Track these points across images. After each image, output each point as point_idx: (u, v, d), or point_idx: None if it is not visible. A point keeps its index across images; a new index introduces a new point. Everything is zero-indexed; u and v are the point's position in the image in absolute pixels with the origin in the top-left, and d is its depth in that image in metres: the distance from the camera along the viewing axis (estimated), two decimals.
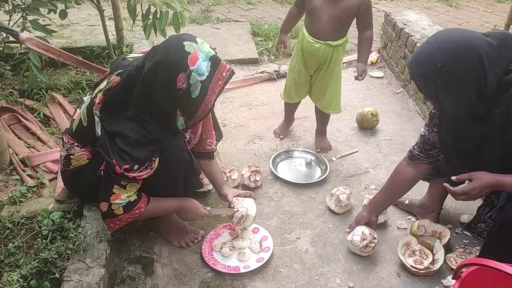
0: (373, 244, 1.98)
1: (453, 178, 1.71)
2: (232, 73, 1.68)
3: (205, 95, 1.60)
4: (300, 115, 3.12)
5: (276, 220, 2.23)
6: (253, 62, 3.90)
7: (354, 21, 2.45)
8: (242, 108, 3.23)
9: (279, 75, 3.63)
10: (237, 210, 2.01)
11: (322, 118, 2.79)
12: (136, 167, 1.60)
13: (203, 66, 1.57)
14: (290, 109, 2.86)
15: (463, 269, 1.52)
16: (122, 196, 1.68)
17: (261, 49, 4.11)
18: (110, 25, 3.45)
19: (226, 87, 3.43)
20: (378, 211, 2.08)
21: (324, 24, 2.40)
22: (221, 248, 2.02)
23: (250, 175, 2.39)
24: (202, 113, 1.64)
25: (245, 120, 3.07)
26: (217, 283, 1.89)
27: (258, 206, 2.29)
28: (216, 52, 1.66)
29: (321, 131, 2.83)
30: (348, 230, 2.09)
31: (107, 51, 3.34)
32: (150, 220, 2.05)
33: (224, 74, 1.64)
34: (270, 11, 5.22)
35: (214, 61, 1.61)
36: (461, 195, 1.69)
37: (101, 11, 3.20)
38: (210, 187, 2.36)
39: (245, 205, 2.02)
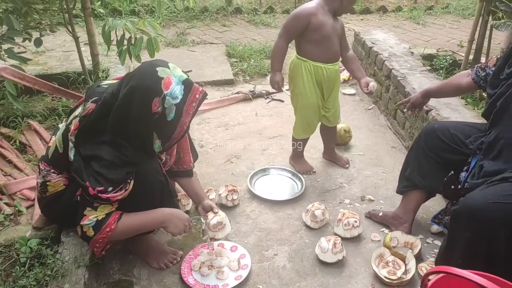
0: (339, 241, 2.10)
1: None
2: (205, 94, 1.75)
3: (180, 117, 1.67)
4: (275, 134, 3.21)
5: (253, 237, 2.28)
6: (229, 83, 3.98)
7: None
8: (219, 128, 3.29)
9: (255, 95, 3.72)
10: (219, 215, 2.05)
11: (332, 135, 2.86)
12: (110, 188, 1.64)
13: (177, 89, 1.65)
14: (304, 143, 2.81)
15: (430, 277, 1.60)
16: (90, 217, 1.70)
17: (236, 70, 4.21)
18: (86, 50, 3.50)
19: (202, 108, 3.52)
20: (428, 96, 2.41)
21: (335, 46, 2.52)
22: (200, 267, 2.05)
23: (228, 194, 2.44)
24: (178, 134, 1.71)
25: (222, 141, 3.13)
26: None
27: (235, 225, 2.35)
28: (188, 76, 1.73)
29: (333, 149, 2.90)
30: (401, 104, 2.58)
31: (83, 76, 3.38)
32: (128, 242, 2.07)
33: (197, 96, 1.72)
34: (244, 32, 5.35)
35: (187, 84, 1.68)
36: None
37: (76, 38, 3.24)
38: (188, 208, 2.40)
39: (227, 221, 2.07)
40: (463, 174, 2.02)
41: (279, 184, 2.70)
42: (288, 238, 2.28)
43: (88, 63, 3.47)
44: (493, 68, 2.03)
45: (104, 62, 3.62)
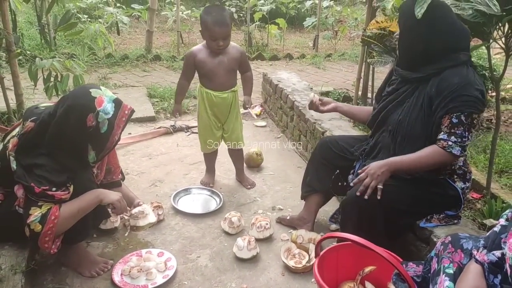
0: (252, 239, 2.43)
1: (359, 171, 2.14)
2: (133, 111, 2.09)
3: (112, 129, 1.98)
4: (195, 160, 3.55)
5: (178, 245, 2.54)
6: (151, 120, 4.29)
7: None
8: (143, 158, 3.56)
9: (175, 129, 4.06)
10: (140, 206, 2.45)
11: (238, 157, 3.24)
12: (54, 189, 1.86)
13: (108, 107, 1.96)
14: (211, 159, 3.22)
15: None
16: (35, 213, 1.89)
17: (158, 108, 4.53)
18: (11, 94, 3.64)
19: (126, 142, 3.78)
20: (341, 110, 2.64)
21: (221, 77, 2.92)
22: (130, 271, 2.26)
23: (153, 209, 2.69)
24: (110, 144, 2.01)
25: (146, 168, 3.40)
26: None
27: (161, 236, 2.60)
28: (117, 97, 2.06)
29: (242, 171, 3.28)
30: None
31: (7, 115, 3.51)
32: (60, 255, 2.24)
33: (126, 112, 2.04)
34: (164, 76, 5.73)
35: (117, 102, 2.01)
36: (364, 178, 2.06)
37: (0, 78, 3.40)
38: (116, 224, 2.61)
39: (149, 211, 2.42)
40: (350, 177, 2.49)
41: (200, 201, 3.01)
42: (209, 243, 2.58)
43: (14, 103, 3.60)
44: None
45: (29, 102, 3.77)
